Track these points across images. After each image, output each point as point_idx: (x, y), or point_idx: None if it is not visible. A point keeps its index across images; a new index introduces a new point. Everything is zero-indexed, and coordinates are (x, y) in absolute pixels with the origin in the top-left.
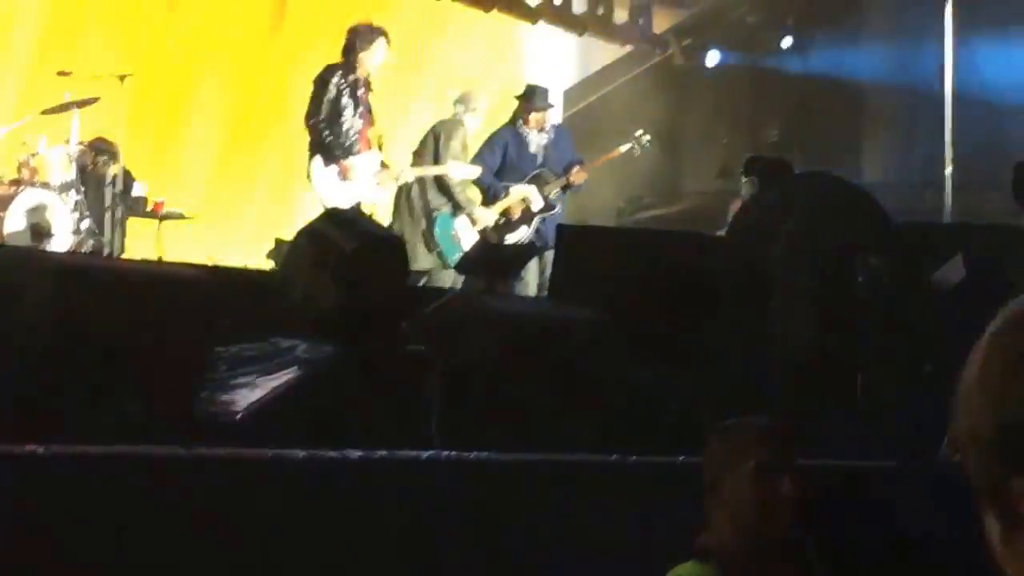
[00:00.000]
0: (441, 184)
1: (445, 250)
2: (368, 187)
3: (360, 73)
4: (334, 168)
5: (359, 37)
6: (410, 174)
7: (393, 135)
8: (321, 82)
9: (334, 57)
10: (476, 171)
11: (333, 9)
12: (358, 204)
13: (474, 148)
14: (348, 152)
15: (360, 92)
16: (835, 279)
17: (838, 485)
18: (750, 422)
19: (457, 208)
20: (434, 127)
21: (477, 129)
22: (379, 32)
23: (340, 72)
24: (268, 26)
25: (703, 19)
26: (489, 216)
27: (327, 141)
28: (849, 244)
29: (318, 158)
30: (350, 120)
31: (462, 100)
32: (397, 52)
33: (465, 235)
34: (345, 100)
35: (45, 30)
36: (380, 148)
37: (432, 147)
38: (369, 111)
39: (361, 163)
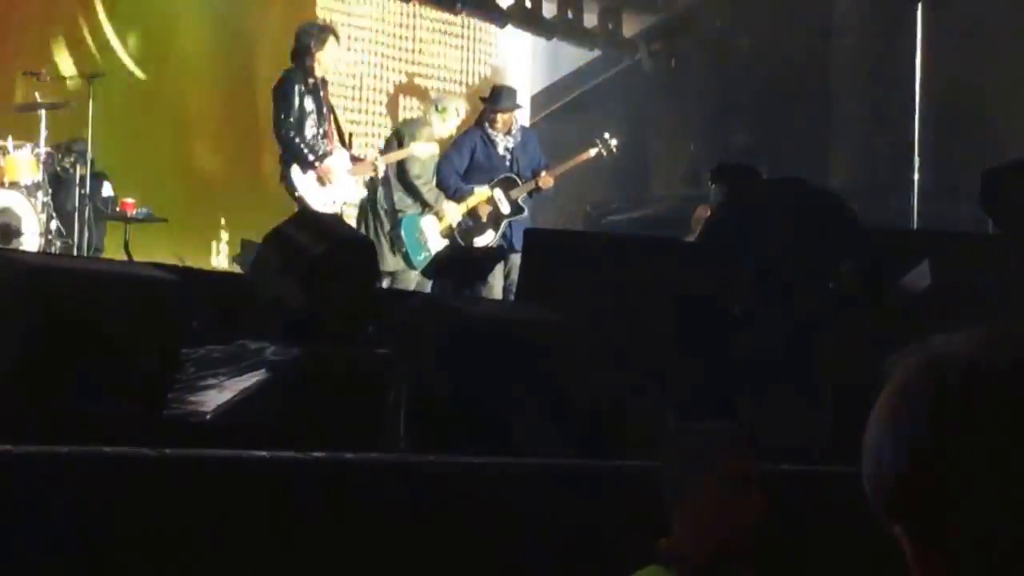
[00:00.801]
0: (407, 184)
1: (411, 250)
2: (345, 186)
3: (317, 73)
4: (312, 174)
5: (311, 37)
6: (382, 164)
7: (361, 133)
8: (281, 90)
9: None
10: (434, 147)
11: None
12: (341, 209)
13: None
14: (321, 156)
15: (321, 93)
16: (805, 284)
17: (801, 490)
18: (715, 427)
19: (425, 206)
20: (398, 126)
21: (450, 133)
22: (328, 30)
23: (297, 77)
24: (234, 27)
25: (672, 23)
26: (455, 212)
27: (300, 149)
28: (820, 249)
29: (295, 167)
30: (315, 124)
31: (434, 102)
32: (366, 51)
33: (431, 235)
34: (308, 105)
35: (14, 29)
36: (348, 145)
37: (395, 146)
38: (331, 110)
39: (334, 163)
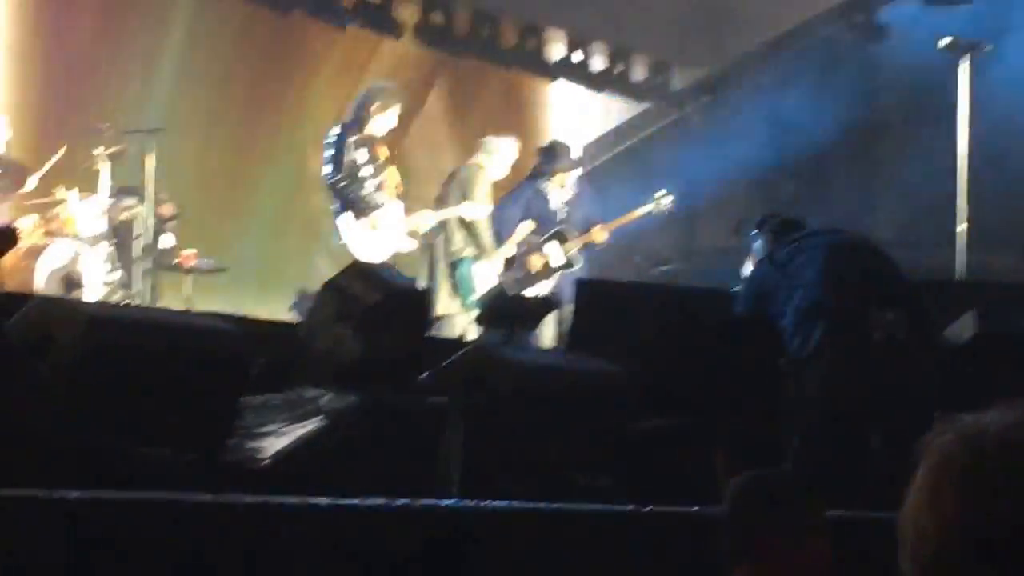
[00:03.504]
0: (469, 228)
1: (464, 293)
2: (396, 236)
3: (371, 131)
4: (364, 222)
5: (376, 96)
6: (432, 219)
7: (417, 185)
8: (334, 142)
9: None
10: (487, 209)
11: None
12: (390, 258)
13: (496, 196)
14: (374, 206)
15: (375, 146)
16: (849, 335)
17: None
18: (777, 474)
19: (482, 251)
20: (453, 173)
21: (503, 177)
22: (396, 96)
23: (351, 130)
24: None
25: (721, 77)
26: (507, 250)
27: (351, 198)
28: (864, 300)
29: (347, 214)
30: (369, 175)
31: (484, 147)
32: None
33: (484, 278)
34: (361, 157)
35: (77, 83)
36: (400, 197)
37: (456, 193)
38: (385, 163)
39: (386, 214)
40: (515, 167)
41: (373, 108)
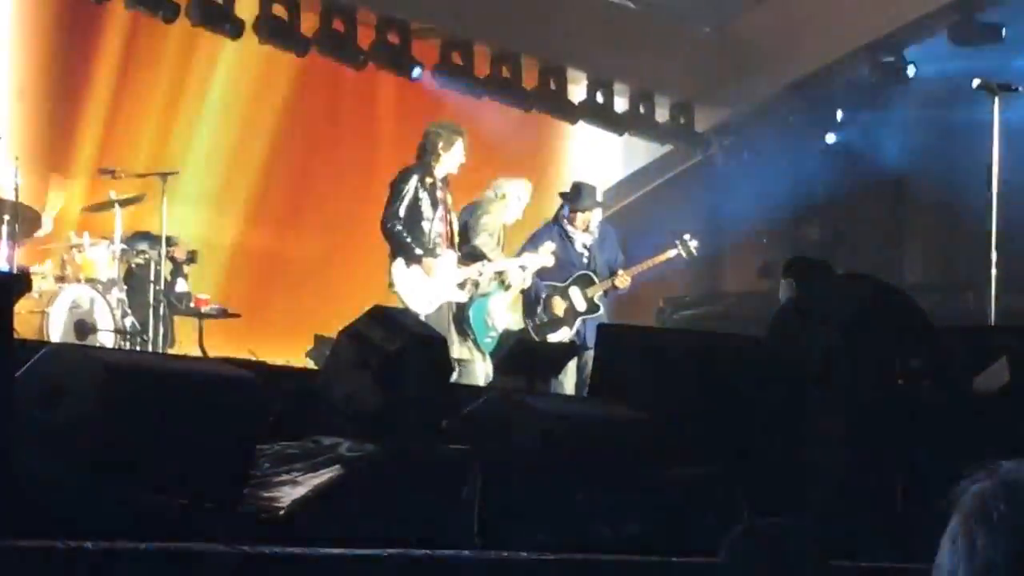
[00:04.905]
0: (501, 274)
1: (478, 333)
2: (448, 286)
3: (437, 173)
4: (417, 269)
5: (439, 138)
6: (489, 268)
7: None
8: (398, 185)
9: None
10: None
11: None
12: (442, 306)
13: (510, 238)
14: (431, 253)
15: (439, 193)
16: (874, 384)
17: None
18: (785, 524)
19: (503, 286)
20: (460, 212)
21: (515, 219)
22: (459, 133)
23: (417, 175)
24: (320, 129)
25: (745, 118)
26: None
27: (407, 242)
28: (888, 348)
29: (399, 260)
30: (431, 221)
31: (492, 187)
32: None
33: (499, 316)
34: (425, 203)
35: (89, 128)
36: (455, 246)
37: (462, 219)
38: (448, 211)
39: (441, 262)
40: (531, 209)
41: (441, 147)
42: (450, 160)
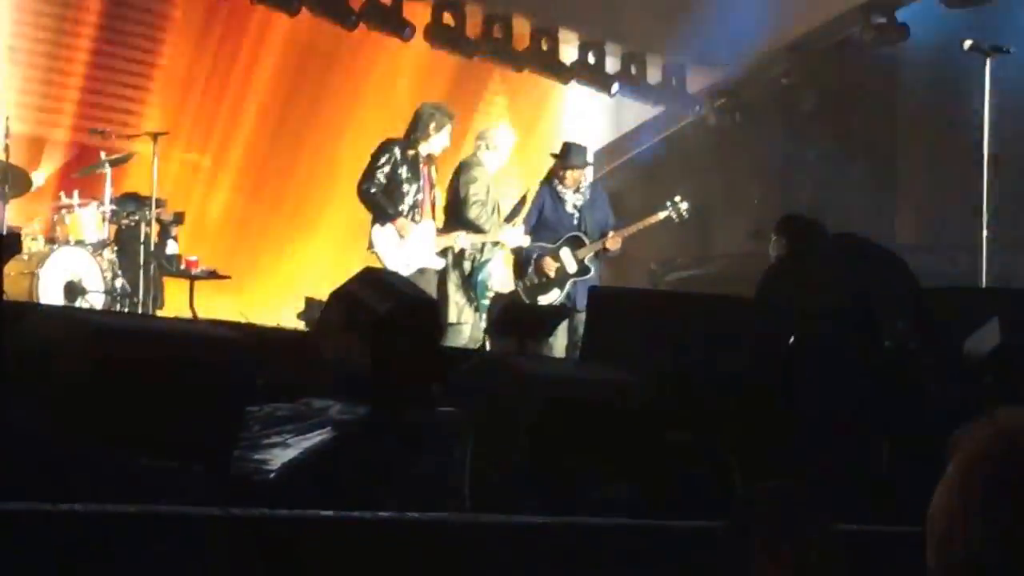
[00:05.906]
0: (468, 225)
1: (480, 297)
2: (426, 253)
3: (422, 151)
4: (391, 229)
5: (432, 118)
6: (465, 241)
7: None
8: (379, 154)
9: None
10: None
11: (372, 78)
12: (417, 271)
13: (496, 186)
14: (403, 215)
15: (421, 167)
16: (861, 343)
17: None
18: (789, 489)
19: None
20: (456, 168)
21: (500, 167)
22: (450, 116)
23: (400, 147)
24: (309, 93)
25: (737, 79)
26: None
27: (380, 203)
28: (875, 308)
29: (376, 223)
30: (410, 191)
31: (482, 137)
32: None
33: (498, 278)
34: (404, 172)
35: (80, 88)
36: (435, 216)
37: (453, 186)
38: (433, 185)
39: (419, 228)
40: (523, 164)
41: (432, 127)
42: (437, 141)
